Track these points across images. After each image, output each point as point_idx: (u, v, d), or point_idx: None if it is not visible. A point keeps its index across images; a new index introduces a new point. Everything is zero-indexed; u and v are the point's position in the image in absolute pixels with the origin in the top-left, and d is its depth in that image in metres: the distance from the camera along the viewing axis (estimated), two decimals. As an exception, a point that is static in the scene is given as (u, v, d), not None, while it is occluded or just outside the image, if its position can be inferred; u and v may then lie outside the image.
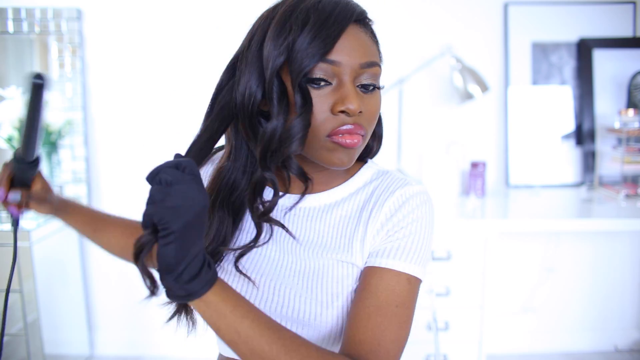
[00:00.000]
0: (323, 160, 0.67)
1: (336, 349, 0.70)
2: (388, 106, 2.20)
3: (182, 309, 0.70)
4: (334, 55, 0.62)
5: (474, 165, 2.15)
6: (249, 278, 0.70)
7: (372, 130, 0.69)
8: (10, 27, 2.16)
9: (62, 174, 2.22)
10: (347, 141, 0.64)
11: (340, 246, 0.71)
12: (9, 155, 2.16)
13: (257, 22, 0.69)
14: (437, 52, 2.12)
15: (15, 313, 1.90)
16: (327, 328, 0.69)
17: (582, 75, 2.24)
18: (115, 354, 2.36)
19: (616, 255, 2.33)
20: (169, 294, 0.53)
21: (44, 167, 2.12)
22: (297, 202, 0.73)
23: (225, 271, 0.73)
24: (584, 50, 2.23)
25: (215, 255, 0.71)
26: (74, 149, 2.21)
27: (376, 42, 0.69)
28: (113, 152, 2.27)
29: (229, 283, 0.71)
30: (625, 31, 2.24)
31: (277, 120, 0.63)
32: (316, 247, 0.71)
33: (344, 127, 0.64)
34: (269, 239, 0.72)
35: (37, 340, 1.92)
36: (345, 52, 0.63)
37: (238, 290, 0.71)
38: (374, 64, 0.65)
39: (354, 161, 0.68)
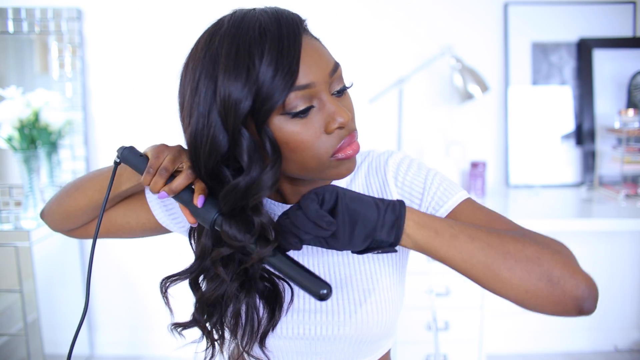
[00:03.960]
0: (331, 177, 0.65)
1: (374, 347, 0.73)
2: (388, 106, 2.21)
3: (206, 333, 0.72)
4: (303, 79, 0.59)
5: (474, 165, 2.15)
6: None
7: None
8: (10, 27, 2.16)
9: (62, 174, 2.22)
10: (350, 152, 0.63)
11: None
12: (9, 155, 2.17)
13: (191, 70, 0.65)
14: (437, 52, 2.12)
15: (15, 313, 1.90)
16: (364, 324, 0.70)
17: (582, 75, 2.24)
18: (115, 354, 2.36)
19: (616, 255, 2.33)
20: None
21: (43, 167, 2.12)
22: None
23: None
24: (584, 50, 2.23)
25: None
26: (74, 149, 2.21)
27: (319, 40, 0.65)
28: (113, 152, 2.26)
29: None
30: (625, 31, 2.24)
31: (254, 171, 0.60)
32: (334, 251, 0.71)
33: (345, 142, 0.63)
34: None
35: (37, 340, 1.92)
36: (312, 69, 0.60)
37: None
38: (337, 66, 0.63)
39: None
